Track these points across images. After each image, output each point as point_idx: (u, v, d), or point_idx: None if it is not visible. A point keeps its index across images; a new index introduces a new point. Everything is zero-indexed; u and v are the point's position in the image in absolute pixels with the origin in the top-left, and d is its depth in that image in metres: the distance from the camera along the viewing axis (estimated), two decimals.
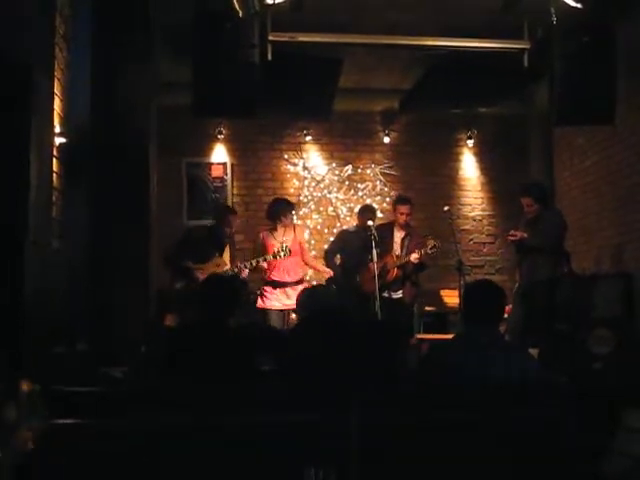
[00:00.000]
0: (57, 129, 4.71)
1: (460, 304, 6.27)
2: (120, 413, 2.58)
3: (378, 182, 8.80)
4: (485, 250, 8.94)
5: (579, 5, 5.49)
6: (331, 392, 2.61)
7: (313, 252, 8.09)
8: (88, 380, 3.49)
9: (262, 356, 3.65)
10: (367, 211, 7.07)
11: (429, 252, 6.45)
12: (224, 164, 8.59)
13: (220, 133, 8.46)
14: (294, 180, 8.72)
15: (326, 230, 8.61)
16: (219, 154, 8.60)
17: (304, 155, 8.74)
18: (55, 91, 4.60)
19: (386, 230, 6.72)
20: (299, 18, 6.01)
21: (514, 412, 2.69)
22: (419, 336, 6.99)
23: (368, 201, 8.48)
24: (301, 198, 8.60)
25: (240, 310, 4.06)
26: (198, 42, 5.48)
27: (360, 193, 8.77)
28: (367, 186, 8.80)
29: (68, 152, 4.90)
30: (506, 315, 5.17)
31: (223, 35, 5.42)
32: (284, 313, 6.42)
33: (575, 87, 5.86)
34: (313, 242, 8.53)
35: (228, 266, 6.21)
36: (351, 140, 8.85)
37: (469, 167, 9.00)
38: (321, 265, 7.01)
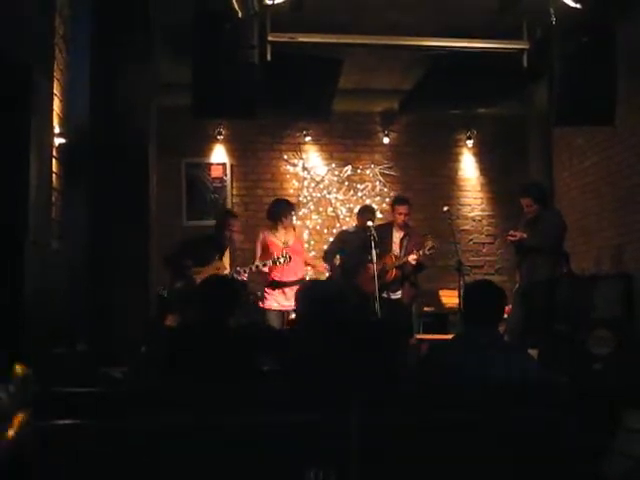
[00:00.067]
0: (57, 129, 4.71)
1: (460, 304, 6.28)
2: (120, 413, 2.58)
3: (378, 182, 8.80)
4: (484, 250, 8.94)
5: (578, 5, 5.49)
6: (331, 392, 2.61)
7: (312, 252, 8.10)
8: (88, 380, 3.50)
9: (262, 356, 3.65)
10: (366, 211, 7.08)
11: (427, 253, 6.46)
12: (223, 164, 8.59)
13: (220, 134, 8.46)
14: (294, 181, 8.73)
15: (325, 230, 8.62)
16: (219, 154, 8.60)
17: (304, 156, 8.74)
18: (55, 91, 4.60)
19: (385, 230, 6.73)
20: (299, 18, 6.01)
21: (514, 412, 2.68)
22: (418, 336, 6.99)
23: (367, 201, 8.49)
24: (300, 199, 8.60)
25: (240, 310, 4.06)
26: (198, 42, 5.48)
27: (360, 193, 8.78)
28: (367, 186, 8.81)
29: (68, 152, 4.90)
30: (506, 315, 5.16)
31: (223, 35, 5.43)
32: (282, 313, 6.43)
33: (574, 87, 5.86)
34: (313, 242, 8.54)
35: (228, 270, 6.21)
36: (351, 141, 8.85)
37: (468, 167, 9.01)
38: (320, 263, 7.04)
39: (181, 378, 3.33)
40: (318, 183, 8.74)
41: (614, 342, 4.28)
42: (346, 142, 8.85)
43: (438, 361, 3.33)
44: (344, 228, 7.72)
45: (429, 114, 8.61)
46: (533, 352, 4.13)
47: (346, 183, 8.78)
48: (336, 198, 8.74)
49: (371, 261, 6.25)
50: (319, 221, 8.68)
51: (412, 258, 6.49)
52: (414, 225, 7.18)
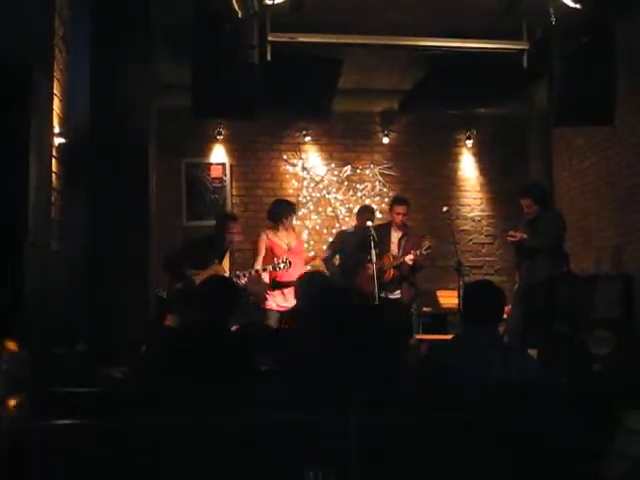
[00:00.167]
0: (56, 129, 4.70)
1: (459, 305, 6.28)
2: (120, 414, 2.58)
3: (377, 183, 8.80)
4: (484, 251, 8.94)
5: (578, 5, 5.49)
6: (331, 392, 2.61)
7: (312, 253, 8.10)
8: (88, 381, 3.49)
9: (261, 356, 3.65)
10: (366, 212, 7.09)
11: (424, 253, 6.46)
12: (223, 165, 8.59)
13: (219, 134, 8.46)
14: (293, 181, 8.73)
15: (325, 231, 8.62)
16: (218, 155, 8.60)
17: (303, 156, 8.74)
18: (55, 91, 4.60)
19: (384, 231, 6.74)
20: (299, 18, 6.01)
21: (514, 412, 2.69)
22: (418, 337, 6.98)
23: (367, 202, 8.49)
24: (300, 199, 8.60)
25: (240, 310, 4.06)
26: (198, 42, 5.48)
27: (359, 194, 8.77)
28: (366, 187, 8.80)
29: (67, 152, 4.89)
30: (505, 316, 5.16)
31: (223, 35, 5.42)
32: (281, 314, 6.44)
33: (574, 88, 5.86)
34: (312, 242, 8.54)
35: (227, 274, 6.22)
36: (350, 141, 8.85)
37: (468, 168, 9.01)
38: (320, 253, 7.13)
39: (180, 378, 3.33)
40: (318, 183, 8.74)
41: (614, 342, 4.28)
42: (346, 142, 8.85)
43: (438, 361, 3.33)
44: (343, 228, 7.74)
45: (429, 114, 8.61)
46: (533, 352, 4.13)
47: (346, 183, 8.78)
48: (335, 198, 8.74)
49: (370, 261, 6.26)
50: (318, 221, 8.68)
51: (408, 258, 6.51)
52: (413, 225, 7.19)
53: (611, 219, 7.19)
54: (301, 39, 6.06)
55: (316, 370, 2.96)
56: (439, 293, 8.27)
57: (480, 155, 8.98)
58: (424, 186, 8.77)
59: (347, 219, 8.50)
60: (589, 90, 5.84)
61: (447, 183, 8.94)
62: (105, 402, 2.64)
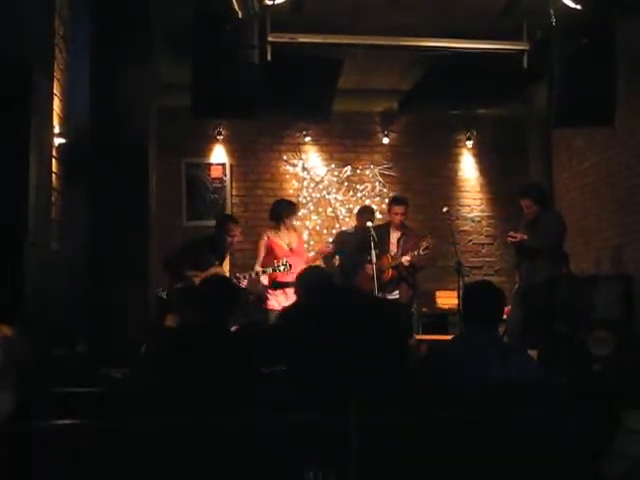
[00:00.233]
0: (57, 129, 4.70)
1: (459, 305, 6.28)
2: (120, 414, 2.58)
3: (377, 183, 8.80)
4: (484, 251, 8.94)
5: (578, 6, 5.49)
6: (331, 392, 2.61)
7: (312, 253, 8.09)
8: (88, 381, 3.49)
9: (261, 356, 3.65)
10: (366, 212, 7.09)
11: (421, 253, 6.46)
12: (223, 165, 8.59)
13: (219, 134, 8.46)
14: (293, 181, 8.73)
15: (325, 231, 8.62)
16: (218, 155, 8.60)
17: (303, 156, 8.74)
18: (55, 91, 4.60)
19: (383, 231, 6.74)
20: (299, 18, 6.01)
21: (513, 412, 2.69)
22: (418, 337, 6.99)
23: (367, 202, 8.49)
24: (300, 199, 8.59)
25: (240, 310, 4.06)
26: (198, 42, 5.47)
27: (359, 194, 8.77)
28: (366, 187, 8.80)
29: (67, 152, 4.89)
30: (505, 316, 5.17)
31: (223, 35, 5.42)
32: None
33: (574, 88, 5.86)
34: (312, 243, 8.54)
35: (227, 275, 6.22)
36: (350, 141, 8.85)
37: (468, 168, 9.01)
38: (323, 247, 7.15)
39: (180, 379, 3.33)
40: (318, 183, 8.74)
41: (614, 343, 4.27)
42: (346, 142, 8.85)
43: (438, 362, 3.33)
44: (343, 229, 7.75)
45: (429, 115, 8.61)
46: (533, 353, 4.12)
47: (346, 183, 8.78)
48: (335, 198, 8.74)
49: (370, 261, 6.27)
50: (318, 221, 8.68)
51: (405, 259, 6.52)
52: (413, 226, 7.19)
53: (611, 220, 7.20)
54: (301, 39, 6.06)
55: (316, 370, 2.96)
56: (439, 293, 8.28)
57: (480, 156, 8.98)
58: (424, 187, 8.77)
59: (347, 219, 8.49)
60: (589, 91, 5.83)
61: (447, 184, 8.94)
62: (105, 402, 2.64)
